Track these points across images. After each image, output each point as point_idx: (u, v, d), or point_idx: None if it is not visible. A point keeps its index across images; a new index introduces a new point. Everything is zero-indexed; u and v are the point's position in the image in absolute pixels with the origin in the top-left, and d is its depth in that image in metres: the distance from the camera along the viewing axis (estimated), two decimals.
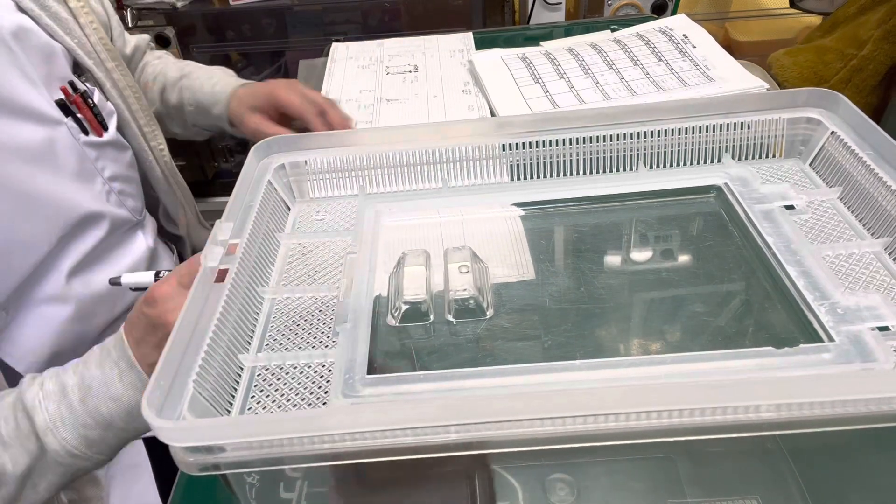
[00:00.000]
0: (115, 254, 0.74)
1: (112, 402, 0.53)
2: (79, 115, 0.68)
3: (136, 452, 0.71)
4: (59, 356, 0.62)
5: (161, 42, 1.43)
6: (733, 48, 1.67)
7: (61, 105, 0.66)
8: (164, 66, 0.89)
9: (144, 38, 0.91)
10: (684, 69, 0.85)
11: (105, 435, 0.54)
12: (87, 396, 0.53)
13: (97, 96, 0.71)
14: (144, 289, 0.58)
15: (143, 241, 0.78)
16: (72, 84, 0.68)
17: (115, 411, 0.53)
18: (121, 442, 0.57)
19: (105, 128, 0.71)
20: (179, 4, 1.41)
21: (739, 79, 0.82)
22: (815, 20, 1.58)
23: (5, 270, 0.61)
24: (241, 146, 1.63)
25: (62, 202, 0.66)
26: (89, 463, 0.55)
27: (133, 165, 0.77)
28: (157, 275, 0.62)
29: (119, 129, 0.75)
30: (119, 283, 0.63)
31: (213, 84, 0.84)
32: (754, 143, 0.55)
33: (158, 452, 0.73)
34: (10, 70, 0.62)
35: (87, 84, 0.71)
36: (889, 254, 0.44)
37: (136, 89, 0.77)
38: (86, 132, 0.69)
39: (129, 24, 1.38)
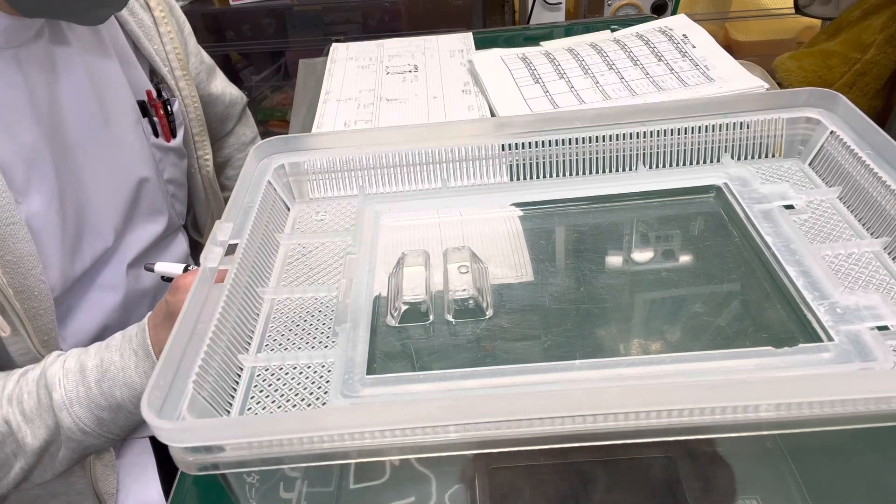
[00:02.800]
0: (163, 253, 0.80)
1: (126, 388, 0.56)
2: (154, 119, 0.75)
3: (143, 450, 0.72)
4: (98, 339, 0.65)
5: None
6: (733, 48, 1.68)
7: (141, 105, 0.74)
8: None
9: (242, 97, 0.97)
10: (684, 69, 0.85)
11: (116, 416, 0.57)
12: (103, 379, 0.56)
13: (176, 106, 0.78)
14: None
15: (183, 243, 0.84)
16: (157, 89, 0.75)
17: (128, 396, 0.57)
18: (130, 423, 0.60)
19: (174, 135, 0.78)
20: (179, 5, 1.41)
21: (739, 79, 0.82)
22: (815, 21, 1.58)
23: (77, 253, 0.65)
24: None
25: (133, 192, 0.72)
26: (100, 441, 0.58)
27: (185, 173, 0.83)
28: (185, 268, 0.66)
29: None
30: (152, 270, 0.67)
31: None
32: (754, 143, 0.55)
33: (163, 450, 0.75)
34: (109, 68, 0.69)
35: (165, 93, 0.77)
36: (888, 253, 0.44)
37: (196, 99, 0.81)
38: (156, 135, 0.75)
39: None
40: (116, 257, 0.71)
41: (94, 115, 0.67)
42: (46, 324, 0.61)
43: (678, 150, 0.55)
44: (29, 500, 0.66)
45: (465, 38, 1.08)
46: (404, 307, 0.46)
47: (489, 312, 0.47)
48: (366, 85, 0.95)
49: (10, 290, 0.56)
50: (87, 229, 0.66)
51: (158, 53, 0.75)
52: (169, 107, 0.76)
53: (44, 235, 0.60)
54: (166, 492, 0.70)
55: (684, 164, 0.55)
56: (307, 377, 0.41)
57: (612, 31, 1.01)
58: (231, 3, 1.41)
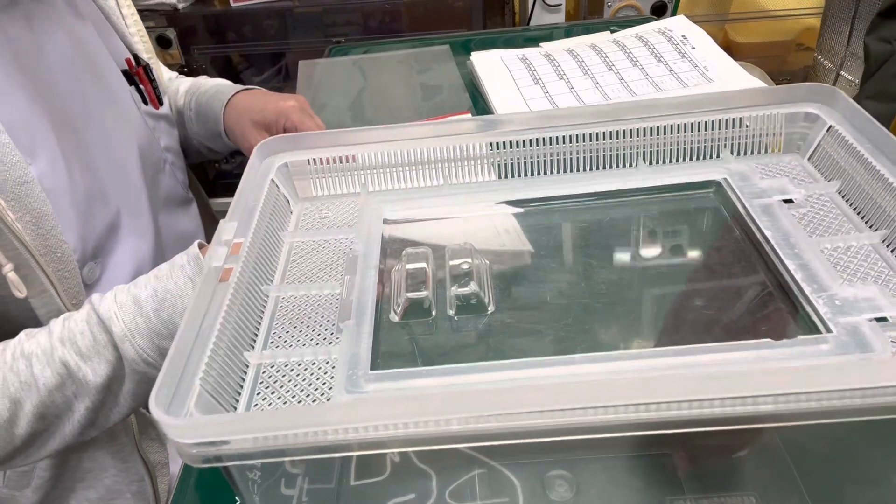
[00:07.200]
0: (174, 223, 0.80)
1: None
2: (140, 87, 0.75)
3: None
4: None
5: (162, 43, 1.43)
6: (732, 49, 1.68)
7: (125, 75, 0.74)
8: (188, 79, 0.94)
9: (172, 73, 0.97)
10: (683, 70, 0.86)
11: None
12: (161, 308, 0.55)
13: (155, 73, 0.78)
14: None
15: (194, 213, 0.85)
16: (135, 57, 0.75)
17: None
18: None
19: (160, 102, 0.78)
20: (181, 6, 1.42)
21: (738, 80, 0.83)
22: (814, 22, 1.58)
23: (90, 216, 0.65)
24: None
25: (134, 157, 0.72)
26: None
27: (178, 142, 0.83)
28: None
29: None
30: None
31: (217, 84, 0.86)
32: (753, 139, 0.55)
33: None
34: (90, 36, 0.70)
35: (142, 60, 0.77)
36: (887, 246, 0.44)
37: (163, 81, 0.82)
38: (145, 102, 0.76)
39: None
40: (128, 224, 0.71)
41: (84, 81, 0.68)
42: (74, 286, 0.61)
43: (678, 147, 0.55)
44: (81, 475, 0.66)
45: None
46: (407, 303, 0.47)
47: (491, 308, 0.47)
48: None
49: (35, 249, 0.56)
50: (97, 193, 0.66)
51: (125, 34, 0.76)
52: (151, 73, 0.76)
53: (56, 196, 0.60)
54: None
55: (684, 160, 0.55)
56: (312, 373, 0.42)
57: (612, 32, 1.01)
58: (232, 4, 1.41)
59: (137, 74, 0.75)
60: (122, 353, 0.54)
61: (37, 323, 0.59)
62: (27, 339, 0.55)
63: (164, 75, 0.91)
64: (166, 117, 0.80)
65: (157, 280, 0.56)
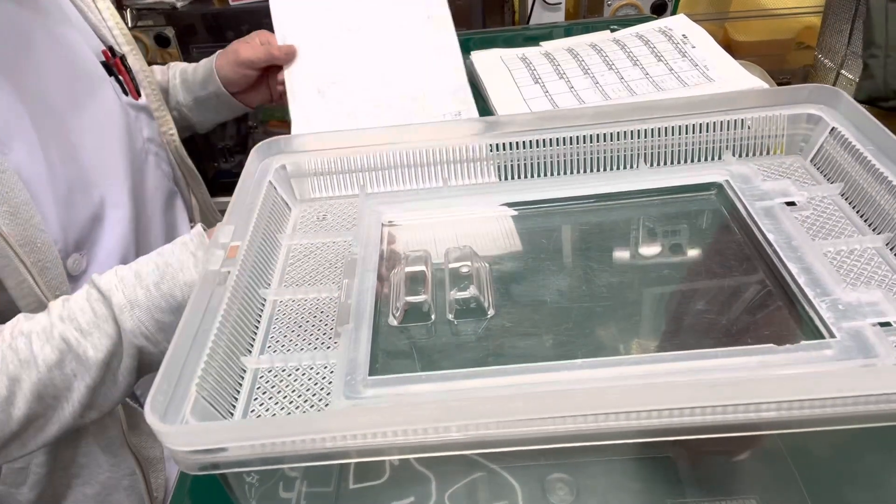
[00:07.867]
0: (162, 213, 0.80)
1: (186, 288, 0.56)
2: (119, 78, 0.75)
3: None
4: None
5: (161, 42, 1.43)
6: (733, 48, 1.67)
7: (104, 66, 0.74)
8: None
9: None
10: (684, 69, 0.85)
11: (175, 320, 0.56)
12: (161, 281, 0.55)
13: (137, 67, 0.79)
14: None
15: (181, 207, 0.85)
16: (111, 49, 0.75)
17: (188, 297, 0.54)
18: None
19: (139, 93, 0.78)
20: (179, 4, 1.41)
21: (739, 79, 0.82)
22: (814, 21, 1.58)
23: (72, 206, 0.64)
24: (241, 146, 1.63)
25: (117, 147, 0.72)
26: (157, 350, 0.57)
27: (160, 135, 0.83)
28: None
29: None
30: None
31: (198, 61, 0.92)
32: (755, 140, 0.55)
33: None
34: (68, 30, 0.70)
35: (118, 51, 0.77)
36: (890, 249, 0.44)
37: (149, 73, 0.82)
38: (125, 93, 0.76)
39: (129, 24, 1.38)
40: (112, 215, 0.70)
41: (63, 72, 0.67)
42: (55, 278, 0.60)
43: (680, 148, 0.55)
44: (76, 470, 0.66)
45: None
46: (406, 307, 0.46)
47: (490, 312, 0.47)
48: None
49: (13, 239, 0.56)
50: (79, 183, 0.65)
51: (101, 26, 0.76)
52: (127, 63, 0.77)
53: (35, 186, 0.60)
54: None
55: (686, 161, 0.55)
56: (310, 378, 0.41)
57: (612, 31, 1.01)
58: (231, 2, 1.41)
59: (115, 65, 0.75)
60: (120, 325, 0.54)
61: (18, 313, 0.58)
62: (26, 320, 0.54)
63: (156, 71, 0.92)
64: (146, 109, 0.80)
65: (160, 255, 0.57)
